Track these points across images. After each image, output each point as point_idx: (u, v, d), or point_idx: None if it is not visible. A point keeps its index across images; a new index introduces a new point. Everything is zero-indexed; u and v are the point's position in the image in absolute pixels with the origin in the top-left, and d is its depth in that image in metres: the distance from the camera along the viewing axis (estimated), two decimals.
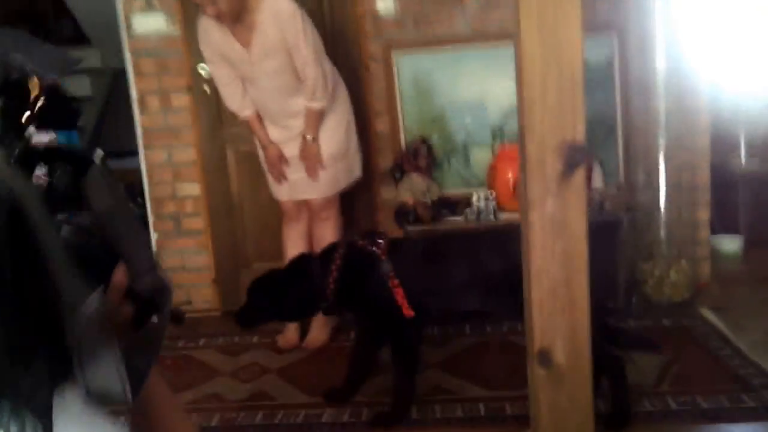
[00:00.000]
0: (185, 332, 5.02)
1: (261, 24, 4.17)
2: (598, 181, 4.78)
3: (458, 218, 4.83)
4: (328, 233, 4.64)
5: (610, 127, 5.06)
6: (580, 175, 2.60)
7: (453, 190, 5.13)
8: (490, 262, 3.48)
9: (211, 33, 4.30)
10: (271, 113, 4.52)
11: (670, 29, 4.97)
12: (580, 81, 2.56)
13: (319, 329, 4.72)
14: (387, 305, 3.54)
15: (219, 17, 4.15)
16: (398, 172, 5.03)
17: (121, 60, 5.38)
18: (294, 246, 4.74)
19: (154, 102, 5.33)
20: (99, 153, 1.72)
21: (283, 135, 4.53)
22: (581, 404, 2.83)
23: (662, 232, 5.14)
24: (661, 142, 5.06)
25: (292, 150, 4.52)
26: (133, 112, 5.37)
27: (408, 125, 5.19)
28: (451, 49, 5.12)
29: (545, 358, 2.75)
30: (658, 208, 5.11)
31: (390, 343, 3.68)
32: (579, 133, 2.58)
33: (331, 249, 3.73)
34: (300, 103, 4.37)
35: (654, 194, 5.12)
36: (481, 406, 3.71)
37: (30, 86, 1.79)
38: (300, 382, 4.13)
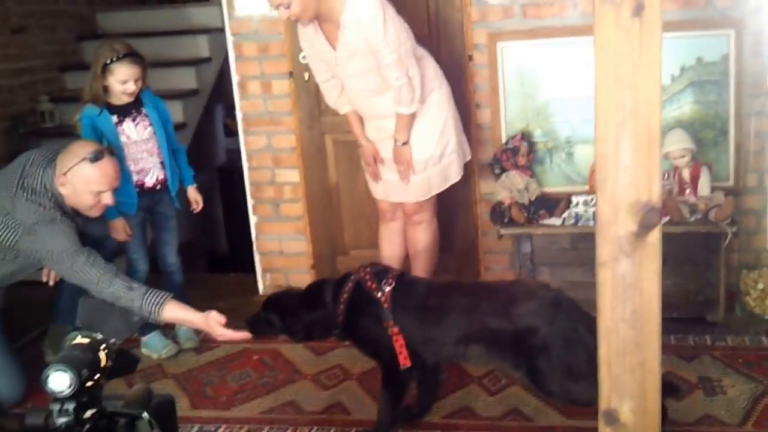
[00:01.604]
0: None
1: (345, 25, 4.03)
2: (704, 189, 4.55)
3: (555, 221, 4.67)
4: (420, 237, 4.59)
5: (722, 129, 4.80)
6: (654, 236, 2.48)
7: (554, 188, 4.96)
8: (495, 321, 3.42)
9: (306, 28, 4.22)
10: (363, 112, 4.45)
11: None
12: (657, 138, 2.43)
13: None
14: (381, 350, 3.59)
15: (296, 20, 4.08)
16: (498, 167, 4.90)
17: None
18: (389, 244, 4.72)
19: (254, 87, 5.31)
20: (146, 415, 1.96)
21: (378, 135, 4.45)
22: None
23: None
24: None
25: (386, 151, 4.43)
26: (234, 97, 5.37)
27: (510, 119, 5.02)
28: (559, 40, 4.91)
29: (612, 417, 2.67)
30: (766, 215, 4.91)
31: (381, 379, 3.70)
32: (654, 193, 2.46)
33: (342, 280, 3.68)
34: (389, 104, 4.24)
35: (764, 199, 4.91)
36: None
37: (101, 356, 1.93)
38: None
